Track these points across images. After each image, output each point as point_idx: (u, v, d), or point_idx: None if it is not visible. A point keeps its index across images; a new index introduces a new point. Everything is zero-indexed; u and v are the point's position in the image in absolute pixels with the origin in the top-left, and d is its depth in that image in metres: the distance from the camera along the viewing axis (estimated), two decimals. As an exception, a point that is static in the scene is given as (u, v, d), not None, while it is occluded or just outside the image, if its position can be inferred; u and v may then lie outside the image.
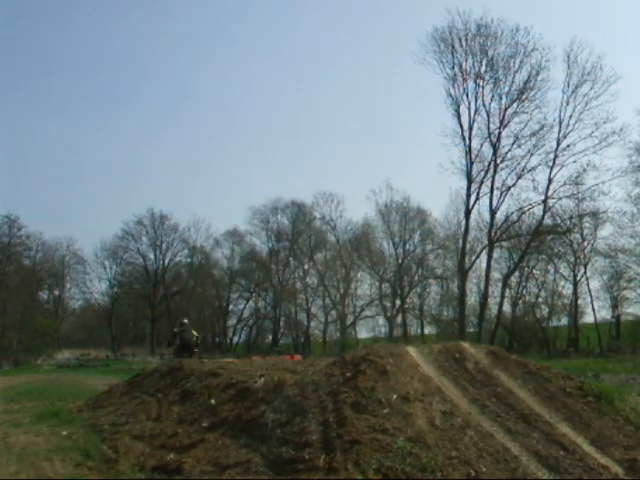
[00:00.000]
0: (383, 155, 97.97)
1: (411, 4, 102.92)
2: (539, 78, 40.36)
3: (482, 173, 41.95)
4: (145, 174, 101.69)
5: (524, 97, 40.80)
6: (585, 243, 48.70)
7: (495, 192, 41.81)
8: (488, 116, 41.58)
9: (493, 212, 42.30)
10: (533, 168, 40.81)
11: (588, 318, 51.11)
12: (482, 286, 46.33)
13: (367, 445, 6.25)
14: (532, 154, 40.80)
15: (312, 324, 65.36)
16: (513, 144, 41.40)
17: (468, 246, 45.72)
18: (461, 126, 42.04)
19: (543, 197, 40.93)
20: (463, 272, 44.26)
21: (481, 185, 42.08)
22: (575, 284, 49.70)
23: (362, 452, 6.14)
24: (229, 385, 9.51)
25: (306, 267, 64.59)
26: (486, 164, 41.87)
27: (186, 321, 17.26)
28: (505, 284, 47.27)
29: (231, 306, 69.93)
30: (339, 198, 62.45)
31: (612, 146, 38.77)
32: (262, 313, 67.89)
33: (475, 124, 41.99)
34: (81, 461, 7.72)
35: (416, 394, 7.50)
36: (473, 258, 47.11)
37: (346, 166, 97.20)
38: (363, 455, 6.09)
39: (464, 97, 42.34)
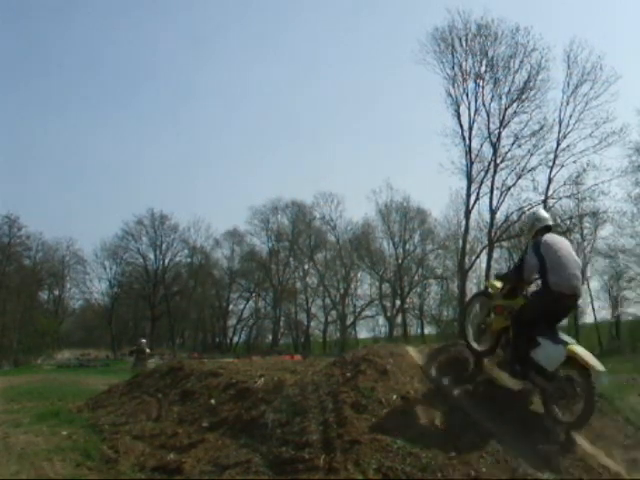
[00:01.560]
0: (383, 155, 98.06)
1: (411, 4, 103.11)
2: (539, 78, 40.58)
3: (482, 173, 42.14)
4: (145, 174, 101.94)
5: (524, 97, 40.96)
6: (585, 243, 48.77)
7: (495, 192, 41.99)
8: (488, 116, 41.76)
9: (493, 212, 42.40)
10: (533, 168, 41.00)
11: (588, 318, 51.22)
12: (482, 286, 46.31)
13: (367, 445, 6.24)
14: (532, 154, 40.99)
15: (312, 324, 65.49)
16: (513, 144, 41.58)
17: (468, 246, 45.82)
18: (461, 126, 42.21)
19: (543, 197, 41.05)
20: (463, 272, 44.29)
21: (481, 185, 42.25)
22: (575, 284, 49.65)
23: (362, 452, 6.13)
24: (229, 385, 9.50)
25: (306, 267, 64.70)
26: (486, 164, 42.05)
27: (143, 340, 23.33)
28: (505, 284, 47.20)
29: (231, 306, 70.08)
30: (339, 198, 62.72)
31: (612, 146, 39.06)
32: (262, 313, 67.97)
33: (475, 124, 42.19)
34: (81, 461, 7.71)
35: (416, 394, 7.50)
36: (473, 258, 47.18)
37: (346, 166, 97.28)
38: (363, 455, 6.09)
39: (464, 97, 42.55)
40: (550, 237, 5.47)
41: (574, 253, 5.55)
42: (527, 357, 5.51)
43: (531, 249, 5.46)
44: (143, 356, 20.53)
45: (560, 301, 5.25)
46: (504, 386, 8.37)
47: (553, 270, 5.21)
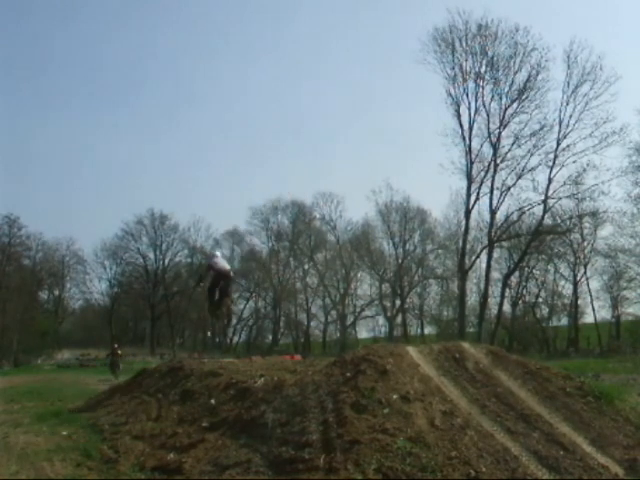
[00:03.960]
0: (383, 155, 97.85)
1: (411, 4, 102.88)
2: (539, 78, 40.46)
3: (482, 173, 42.03)
4: (145, 174, 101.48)
5: (524, 97, 40.87)
6: (585, 243, 48.76)
7: (495, 192, 41.87)
8: (488, 116, 41.66)
9: (493, 212, 42.31)
10: (533, 168, 40.84)
11: (588, 318, 51.22)
12: (482, 286, 46.34)
13: (367, 445, 6.25)
14: (532, 154, 40.85)
15: (312, 324, 65.36)
16: (513, 144, 41.45)
17: (468, 246, 45.73)
18: (461, 126, 42.12)
19: (543, 197, 40.97)
20: (463, 272, 44.25)
21: (481, 185, 42.14)
22: (575, 284, 49.75)
23: (362, 452, 6.14)
24: (229, 385, 9.51)
25: (306, 267, 64.52)
26: (486, 164, 41.94)
27: (116, 345, 28.57)
28: (505, 284, 47.29)
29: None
30: (339, 198, 62.45)
31: (612, 146, 38.83)
32: (262, 313, 67.85)
33: (475, 124, 42.09)
34: (81, 461, 7.71)
35: (416, 394, 7.50)
36: (473, 258, 47.11)
37: (346, 166, 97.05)
38: (363, 455, 6.09)
39: (464, 97, 42.44)
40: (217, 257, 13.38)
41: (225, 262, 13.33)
42: (213, 302, 12.83)
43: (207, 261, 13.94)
44: (116, 358, 26.29)
45: (220, 274, 12.57)
46: (504, 386, 8.38)
47: (216, 265, 12.67)
